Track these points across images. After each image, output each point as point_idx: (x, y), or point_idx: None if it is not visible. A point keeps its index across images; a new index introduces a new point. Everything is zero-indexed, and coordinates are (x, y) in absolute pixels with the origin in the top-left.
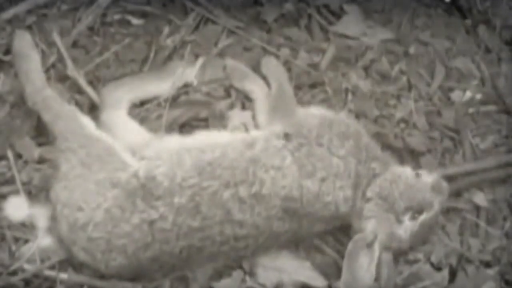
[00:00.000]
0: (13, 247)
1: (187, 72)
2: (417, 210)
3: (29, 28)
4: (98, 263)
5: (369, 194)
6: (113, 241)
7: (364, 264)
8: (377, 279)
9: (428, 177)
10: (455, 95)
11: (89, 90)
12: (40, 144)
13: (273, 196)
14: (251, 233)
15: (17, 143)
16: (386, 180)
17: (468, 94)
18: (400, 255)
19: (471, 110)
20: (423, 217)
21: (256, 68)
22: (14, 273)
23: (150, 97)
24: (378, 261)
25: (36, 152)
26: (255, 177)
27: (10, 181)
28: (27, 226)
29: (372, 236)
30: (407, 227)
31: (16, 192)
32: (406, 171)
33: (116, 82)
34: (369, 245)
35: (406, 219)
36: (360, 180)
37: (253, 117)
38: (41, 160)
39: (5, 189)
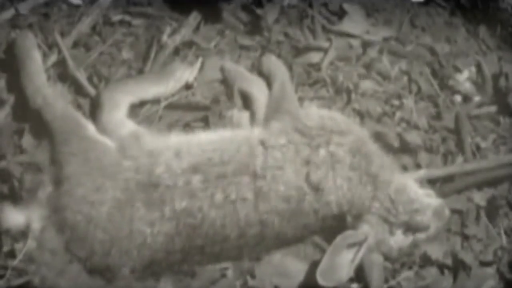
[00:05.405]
0: (9, 248)
1: (187, 73)
2: (412, 228)
3: (30, 27)
4: (98, 264)
5: (369, 198)
6: (114, 243)
7: (346, 260)
8: (366, 280)
9: (433, 199)
10: (456, 95)
11: (90, 90)
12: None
13: (274, 195)
14: (253, 231)
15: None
16: (389, 188)
17: (469, 93)
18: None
19: (471, 109)
20: (415, 236)
21: (257, 68)
22: (12, 274)
23: (150, 99)
24: (370, 263)
25: (37, 151)
26: (256, 175)
27: (5, 182)
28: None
29: (363, 237)
30: (397, 240)
31: (10, 195)
32: (410, 183)
33: (116, 84)
34: (357, 245)
35: (399, 232)
36: (362, 181)
37: (252, 117)
38: (37, 160)
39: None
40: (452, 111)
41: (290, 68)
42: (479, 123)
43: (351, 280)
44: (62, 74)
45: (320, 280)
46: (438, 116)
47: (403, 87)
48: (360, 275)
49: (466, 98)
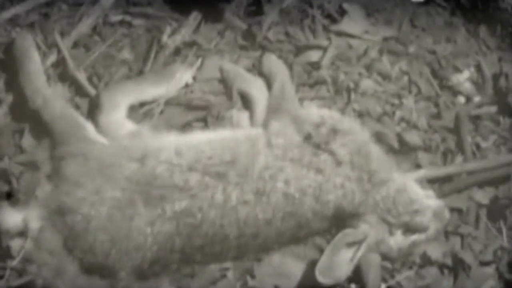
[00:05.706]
0: (8, 248)
1: (187, 74)
2: (412, 229)
3: (29, 27)
4: (98, 265)
5: (369, 198)
6: (114, 243)
7: (344, 258)
8: (363, 281)
9: (433, 201)
10: (457, 96)
11: (89, 90)
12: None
13: (274, 195)
14: (252, 231)
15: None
16: (389, 188)
17: (469, 93)
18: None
19: (471, 109)
20: (414, 237)
21: (257, 68)
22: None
23: (150, 100)
24: (367, 263)
25: (37, 151)
26: (256, 175)
27: (4, 182)
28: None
29: (363, 236)
30: (397, 241)
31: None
32: (410, 183)
33: (116, 85)
34: (356, 243)
35: (399, 232)
36: (362, 180)
37: (252, 117)
38: (36, 160)
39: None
40: (452, 111)
41: (290, 68)
42: (479, 122)
43: (350, 280)
44: (61, 74)
45: (319, 277)
46: (438, 116)
47: (403, 87)
48: (358, 275)
49: (466, 98)
